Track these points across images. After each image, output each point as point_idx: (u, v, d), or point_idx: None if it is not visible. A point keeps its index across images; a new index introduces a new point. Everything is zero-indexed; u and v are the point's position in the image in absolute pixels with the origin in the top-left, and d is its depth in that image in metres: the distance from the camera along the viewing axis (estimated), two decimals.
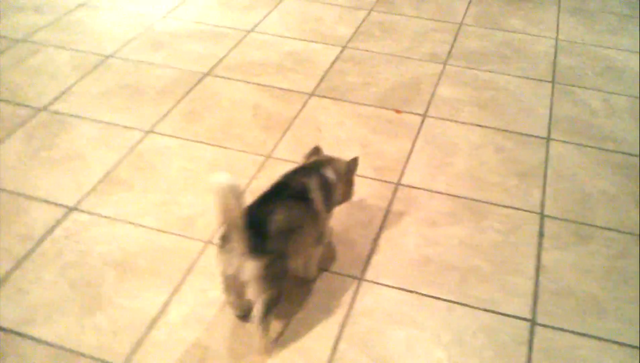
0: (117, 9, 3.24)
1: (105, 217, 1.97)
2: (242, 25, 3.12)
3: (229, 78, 2.70)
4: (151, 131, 2.37)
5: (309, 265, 1.75)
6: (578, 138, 2.41)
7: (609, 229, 2.00)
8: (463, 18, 3.27)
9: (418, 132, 2.41)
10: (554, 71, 2.83)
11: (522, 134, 2.42)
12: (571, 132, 2.44)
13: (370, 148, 2.32)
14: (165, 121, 2.43)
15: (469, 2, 3.44)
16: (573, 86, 2.73)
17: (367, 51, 2.93)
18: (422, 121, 2.47)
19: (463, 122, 2.48)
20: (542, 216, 2.04)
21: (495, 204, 2.08)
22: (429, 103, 2.58)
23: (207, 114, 2.47)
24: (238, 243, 1.41)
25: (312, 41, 3.00)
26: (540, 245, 1.93)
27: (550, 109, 2.58)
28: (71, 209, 2.00)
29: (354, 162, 1.76)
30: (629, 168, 2.27)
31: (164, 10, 3.24)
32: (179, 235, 1.92)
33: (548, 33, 3.16)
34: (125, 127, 2.39)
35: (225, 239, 1.46)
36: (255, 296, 1.49)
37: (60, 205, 2.01)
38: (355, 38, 3.04)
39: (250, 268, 1.43)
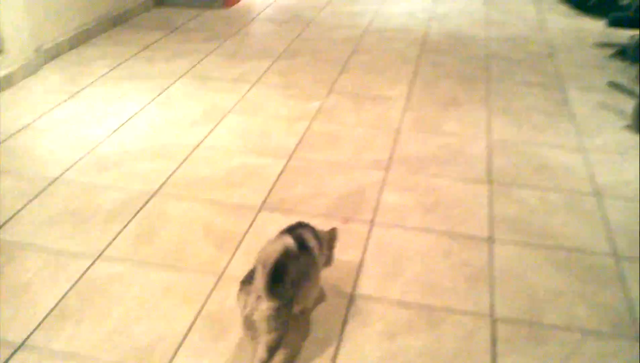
0: (61, 131, 3.26)
1: (57, 353, 1.92)
2: (189, 141, 3.18)
3: (177, 196, 2.72)
4: (100, 257, 2.35)
5: (307, 302, 2.02)
6: (519, 237, 2.52)
7: (559, 328, 2.07)
8: (400, 124, 3.43)
9: (367, 241, 2.47)
10: (489, 172, 2.98)
11: (466, 236, 2.52)
12: (512, 232, 2.55)
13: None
14: (114, 246, 2.41)
15: (404, 109, 3.61)
16: (510, 185, 2.88)
17: (312, 161, 3.03)
18: (370, 229, 2.54)
19: (410, 228, 2.56)
20: (493, 320, 2.10)
21: (448, 311, 2.13)
22: (375, 211, 2.66)
23: (158, 235, 2.47)
24: (258, 285, 1.66)
25: (259, 154, 3.08)
26: (494, 350, 1.98)
27: (490, 209, 2.69)
28: (18, 347, 1.94)
29: (334, 231, 2.10)
30: (569, 264, 2.37)
31: (108, 130, 3.28)
32: None
33: (481, 135, 3.35)
34: (74, 254, 2.36)
35: (245, 283, 1.74)
36: (261, 335, 1.70)
37: (6, 343, 1.94)
38: (300, 149, 3.14)
39: (262, 309, 1.67)
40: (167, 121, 3.40)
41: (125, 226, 2.52)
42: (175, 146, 3.13)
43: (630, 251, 2.46)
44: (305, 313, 2.06)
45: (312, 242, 1.92)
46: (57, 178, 2.84)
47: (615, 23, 4.78)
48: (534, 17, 5.58)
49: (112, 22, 4.83)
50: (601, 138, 3.36)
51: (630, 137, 3.38)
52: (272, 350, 1.73)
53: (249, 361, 1.77)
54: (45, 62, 4.08)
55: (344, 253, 2.39)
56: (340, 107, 3.62)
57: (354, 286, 2.22)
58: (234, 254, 2.37)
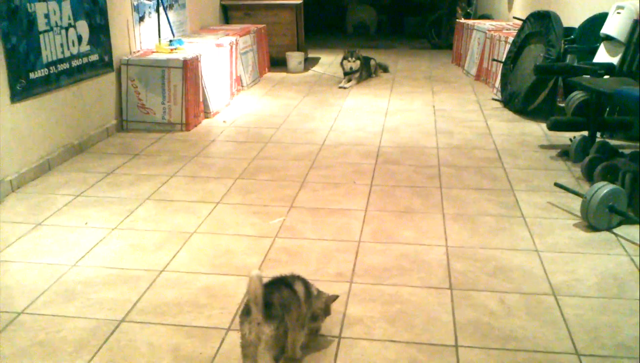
0: (26, 262, 3.27)
1: None
2: (153, 266, 3.22)
3: (144, 322, 2.74)
4: None
5: (295, 345, 2.40)
6: (483, 342, 2.59)
7: None
8: (360, 235, 3.55)
9: (336, 357, 2.51)
10: (449, 278, 3.08)
11: (431, 344, 2.58)
12: (475, 337, 2.62)
13: None
14: None
15: (363, 221, 3.75)
16: (469, 290, 2.98)
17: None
18: (338, 344, 2.58)
19: (377, 340, 2.61)
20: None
21: None
22: (342, 324, 2.71)
23: None
24: (256, 314, 2.14)
25: (224, 274, 3.14)
26: None
27: (453, 315, 2.78)
28: None
29: (333, 297, 2.57)
30: None
31: (73, 260, 3.30)
32: None
33: (438, 241, 3.48)
34: None
35: (244, 314, 2.19)
36: (266, 350, 2.15)
37: None
38: (265, 266, 3.21)
39: (265, 332, 2.15)
40: (132, 246, 3.45)
41: (92, 357, 2.51)
42: (140, 272, 3.17)
43: (590, 348, 2.55)
44: (293, 360, 2.42)
45: (299, 288, 2.41)
46: (23, 311, 2.83)
47: (556, 126, 5.12)
48: (479, 124, 5.92)
49: (75, 150, 4.95)
50: (553, 237, 3.52)
51: (579, 235, 3.55)
52: (277, 359, 2.20)
53: None
54: (9, 193, 4.13)
55: None
56: (301, 222, 3.73)
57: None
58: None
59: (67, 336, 2.65)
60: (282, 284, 2.38)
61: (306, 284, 2.48)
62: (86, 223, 3.72)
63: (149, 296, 2.95)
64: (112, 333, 2.66)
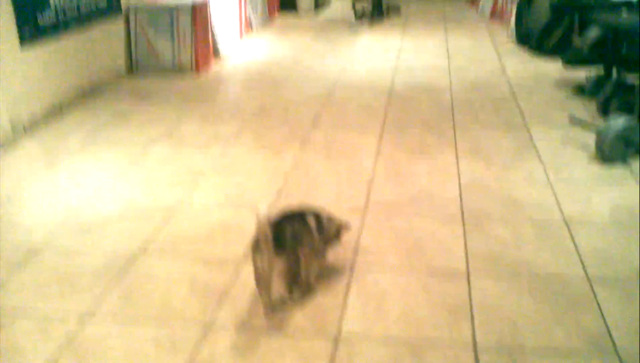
0: (41, 199, 3.32)
1: None
2: (168, 202, 3.25)
3: (160, 255, 2.78)
4: (89, 319, 2.38)
5: (309, 274, 2.43)
6: (494, 270, 2.61)
7: (541, 352, 2.14)
8: (373, 172, 3.55)
9: (349, 284, 2.54)
10: (462, 211, 3.09)
11: (445, 274, 2.60)
12: (488, 266, 2.64)
13: (307, 304, 2.41)
14: (101, 307, 2.44)
15: (376, 158, 3.74)
16: (482, 222, 2.99)
17: None
18: (352, 273, 2.61)
19: (389, 268, 2.63)
20: (475, 349, 2.16)
21: (431, 345, 2.19)
22: (355, 254, 2.74)
23: (144, 294, 2.51)
24: (265, 248, 2.21)
25: (237, 210, 3.16)
26: None
27: (465, 246, 2.79)
28: None
29: (345, 224, 2.57)
30: (544, 291, 2.46)
31: (89, 196, 3.34)
32: None
33: (451, 177, 3.48)
34: (62, 318, 2.38)
35: (255, 248, 2.24)
36: (278, 280, 2.32)
37: None
38: (278, 202, 3.23)
39: (276, 262, 2.25)
40: (146, 183, 3.47)
41: (111, 288, 2.55)
42: (155, 207, 3.20)
43: (601, 274, 2.56)
44: (308, 286, 2.46)
45: (311, 220, 2.40)
46: (41, 244, 2.87)
47: (571, 63, 5.03)
48: (493, 63, 5.84)
49: (86, 93, 4.95)
50: (567, 171, 3.51)
51: (593, 168, 3.53)
52: (292, 286, 2.39)
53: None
54: (23, 136, 4.16)
55: (326, 295, 2.45)
56: (314, 160, 3.74)
57: (339, 328, 2.28)
58: (220, 305, 2.42)
59: (84, 269, 2.69)
60: (294, 217, 2.41)
61: (318, 215, 2.48)
62: (98, 163, 3.74)
63: (165, 230, 2.98)
64: (128, 266, 2.70)
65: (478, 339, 2.21)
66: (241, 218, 3.06)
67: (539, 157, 3.70)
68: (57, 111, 4.57)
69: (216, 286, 2.54)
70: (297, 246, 2.32)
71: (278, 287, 2.34)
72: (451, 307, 2.38)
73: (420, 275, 2.58)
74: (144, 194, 3.35)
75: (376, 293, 2.48)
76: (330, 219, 2.53)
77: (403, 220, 3.02)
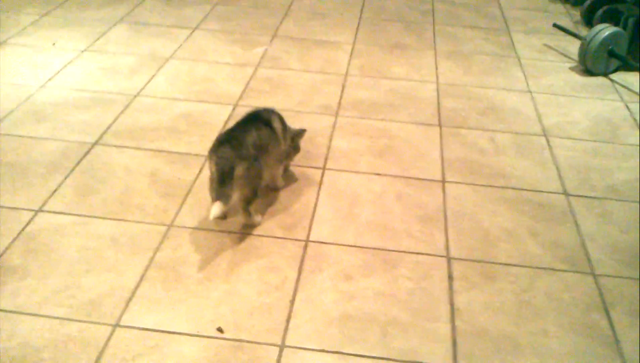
0: None
1: (1, 310, 1.81)
2: (128, 90, 3.03)
3: (120, 146, 2.60)
4: (41, 210, 2.22)
5: (275, 177, 2.33)
6: (471, 178, 2.52)
7: (512, 265, 2.09)
8: (347, 69, 3.37)
9: (320, 186, 2.42)
10: (439, 115, 2.96)
11: (419, 179, 2.50)
12: (464, 173, 2.55)
13: (275, 206, 2.30)
14: (56, 198, 2.29)
15: (351, 54, 3.54)
16: (459, 128, 2.87)
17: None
18: (322, 175, 2.49)
19: (363, 173, 2.52)
20: (449, 259, 2.10)
21: (403, 252, 2.12)
22: (327, 156, 2.61)
23: (101, 186, 2.36)
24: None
25: (203, 101, 2.97)
26: (451, 288, 1.98)
27: (441, 152, 2.68)
28: None
29: (301, 132, 2.39)
30: (520, 203, 2.40)
31: (42, 79, 3.09)
32: (85, 321, 1.79)
33: (429, 78, 3.32)
34: (13, 208, 2.23)
35: (214, 150, 2.07)
36: (238, 190, 2.03)
37: None
38: (246, 95, 3.04)
39: (237, 171, 1.99)
40: (104, 69, 3.23)
41: (66, 178, 2.39)
42: (114, 95, 2.98)
43: (579, 189, 2.50)
44: (275, 188, 2.37)
45: (276, 124, 2.23)
46: None
47: None
48: None
49: None
50: (547, 80, 3.39)
51: (575, 78, 3.42)
52: (249, 201, 2.11)
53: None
54: None
55: (296, 199, 2.34)
56: (285, 53, 3.52)
57: (309, 232, 2.18)
58: (182, 202, 2.29)
59: (38, 157, 2.51)
60: (259, 121, 2.20)
61: (282, 119, 2.31)
62: (54, 43, 3.46)
63: (124, 120, 2.79)
64: (85, 155, 2.53)
65: (451, 248, 2.14)
66: (207, 112, 2.88)
67: (520, 63, 3.56)
68: None
69: (178, 183, 2.40)
70: (261, 154, 2.11)
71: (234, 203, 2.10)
72: (425, 215, 2.30)
73: (395, 182, 2.48)
74: (101, 80, 3.12)
75: (347, 198, 2.37)
76: (288, 127, 2.36)
77: (378, 121, 2.89)
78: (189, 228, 2.17)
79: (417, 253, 2.11)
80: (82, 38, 3.55)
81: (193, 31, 3.71)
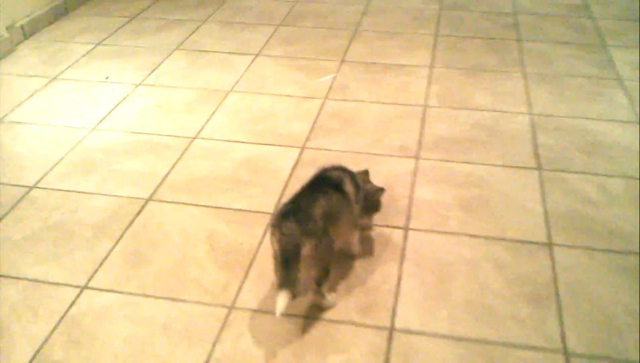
0: (39, 123, 2.84)
1: None
2: (185, 131, 2.76)
3: (176, 202, 2.32)
4: (87, 287, 1.96)
5: (350, 244, 2.00)
6: (583, 239, 2.12)
7: None
8: (426, 98, 2.99)
9: (403, 252, 2.07)
10: (536, 155, 2.56)
11: (520, 241, 2.12)
12: (573, 232, 2.15)
13: (351, 279, 1.96)
14: (103, 270, 2.02)
15: (429, 80, 3.17)
16: (562, 171, 2.46)
17: (328, 149, 2.61)
18: (405, 237, 2.14)
19: (451, 233, 2.16)
20: (567, 355, 1.72)
21: (510, 345, 1.75)
22: (409, 212, 2.26)
23: (154, 253, 2.08)
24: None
25: (266, 144, 2.66)
26: None
27: (543, 203, 2.29)
28: None
29: (380, 191, 2.03)
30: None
31: (93, 121, 2.85)
32: None
33: (519, 108, 2.91)
34: (55, 284, 1.98)
35: (277, 225, 1.70)
36: (306, 271, 1.68)
37: None
38: (314, 134, 2.72)
39: (303, 249, 1.65)
40: (159, 107, 2.96)
41: (115, 244, 2.13)
42: (169, 138, 2.71)
43: None
44: (351, 255, 2.05)
45: (348, 187, 1.86)
46: (35, 184, 2.43)
47: None
48: None
49: None
50: None
51: None
52: (319, 282, 1.78)
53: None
54: (21, 41, 3.62)
55: (375, 269, 2.00)
56: (354, 80, 3.18)
57: (393, 316, 1.84)
58: (245, 276, 1.98)
59: (85, 217, 2.26)
60: (328, 185, 1.83)
61: (354, 177, 1.94)
62: (107, 78, 3.23)
63: (180, 168, 2.51)
64: (137, 215, 2.26)
65: (568, 341, 1.76)
66: (270, 156, 2.57)
67: (622, 85, 3.10)
68: (61, 11, 4.00)
69: (240, 248, 2.09)
70: (330, 226, 1.75)
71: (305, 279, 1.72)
72: (532, 293, 1.92)
73: (490, 244, 2.10)
74: (156, 120, 2.85)
75: (436, 268, 2.01)
76: (368, 185, 2.03)
77: (465, 164, 2.51)
78: (252, 310, 1.86)
79: (527, 347, 1.74)
80: (136, 70, 3.30)
81: (254, 58, 3.42)
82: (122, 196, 2.35)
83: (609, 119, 2.81)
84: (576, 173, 2.46)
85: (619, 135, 2.69)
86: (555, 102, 2.95)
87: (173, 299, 1.90)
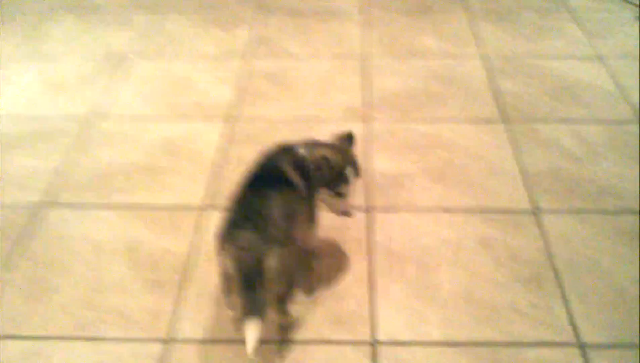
0: None
1: None
2: (82, 111, 2.26)
3: (80, 204, 1.85)
4: None
5: (307, 239, 1.57)
6: (569, 201, 1.83)
7: None
8: (364, 47, 2.60)
9: (371, 241, 1.71)
10: (500, 105, 2.24)
11: (501, 211, 1.80)
12: (557, 193, 1.86)
13: (315, 282, 1.59)
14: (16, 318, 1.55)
15: (364, 25, 2.77)
16: (531, 121, 2.16)
17: (262, 118, 2.19)
18: (371, 220, 1.78)
19: (423, 210, 1.81)
20: (582, 347, 1.43)
21: (517, 345, 1.44)
22: (369, 187, 1.89)
23: (59, 277, 1.63)
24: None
25: (186, 119, 2.21)
26: None
27: (519, 163, 1.97)
28: None
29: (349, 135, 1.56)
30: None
31: None
32: None
33: (471, 50, 2.58)
34: None
35: (226, 239, 1.30)
36: (272, 288, 1.30)
37: None
38: (242, 102, 2.28)
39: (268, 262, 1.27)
40: (46, 82, 2.43)
41: (8, 271, 1.65)
42: (63, 121, 2.21)
43: None
44: (307, 252, 1.63)
45: (293, 175, 1.44)
46: None
47: None
48: None
49: None
50: (615, 38, 2.66)
51: None
52: (283, 299, 1.39)
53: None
54: None
55: (341, 268, 1.63)
56: (279, 32, 2.73)
57: (372, 325, 1.49)
58: (180, 294, 1.57)
59: None
60: (278, 174, 1.43)
61: (298, 157, 1.48)
62: None
63: (81, 160, 2.03)
64: (28, 225, 1.78)
65: (581, 330, 1.47)
66: (193, 135, 2.12)
67: (576, 18, 2.81)
68: None
69: (169, 259, 1.67)
70: (290, 225, 1.37)
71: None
72: (528, 275, 1.61)
73: (470, 219, 1.78)
74: (46, 99, 2.32)
75: (413, 256, 1.67)
76: (326, 155, 1.50)
77: (424, 123, 2.16)
78: (197, 341, 1.46)
79: (537, 344, 1.43)
80: (9, 38, 2.72)
81: (158, 13, 2.89)
82: (5, 205, 1.86)
83: (569, 57, 2.53)
84: (547, 122, 2.16)
85: (583, 74, 2.41)
86: (507, 42, 2.63)
87: (90, 339, 1.47)
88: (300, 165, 1.47)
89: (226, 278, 1.33)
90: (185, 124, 2.17)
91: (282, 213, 1.35)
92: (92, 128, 2.16)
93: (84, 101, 2.30)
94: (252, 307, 1.25)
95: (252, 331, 1.23)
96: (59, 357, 1.42)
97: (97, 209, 1.82)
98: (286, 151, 1.50)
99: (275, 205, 1.35)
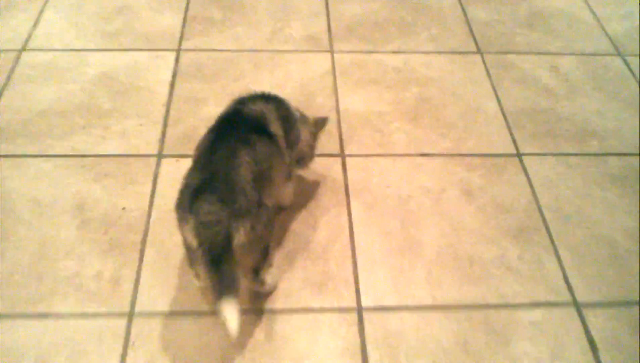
0: None
1: None
2: (4, 42, 1.96)
3: (13, 155, 1.61)
4: None
5: (282, 197, 1.46)
6: (553, 143, 1.74)
7: None
8: None
9: (348, 192, 1.57)
10: (473, 33, 2.09)
11: (482, 155, 1.69)
12: (539, 135, 1.76)
13: (291, 245, 1.45)
14: None
15: None
16: (506, 53, 2.03)
17: (213, 50, 1.96)
18: (345, 168, 1.63)
19: (400, 154, 1.68)
20: (578, 307, 1.37)
21: (510, 306, 1.36)
22: (340, 130, 1.73)
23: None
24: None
25: (127, 49, 1.95)
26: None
27: (497, 99, 1.86)
28: None
29: (322, 122, 1.47)
30: (634, 178, 1.65)
31: None
32: None
33: None
34: None
35: (186, 208, 1.12)
36: (242, 261, 1.16)
37: None
38: (190, 30, 2.04)
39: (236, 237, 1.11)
40: None
41: None
42: None
43: None
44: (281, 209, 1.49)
45: (275, 127, 1.30)
46: None
47: None
48: None
49: None
50: None
51: None
52: (257, 268, 1.27)
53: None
54: None
55: (319, 223, 1.49)
56: None
57: (357, 289, 1.37)
58: (142, 260, 1.40)
59: None
60: (249, 129, 1.25)
61: (282, 108, 1.36)
62: None
63: (9, 101, 1.76)
64: None
65: (575, 288, 1.40)
66: (136, 68, 1.88)
67: None
68: None
69: (124, 217, 1.48)
70: (263, 191, 1.19)
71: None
72: (517, 226, 1.52)
73: (450, 164, 1.66)
74: None
75: (394, 208, 1.55)
76: (302, 117, 1.44)
77: (392, 55, 1.99)
78: (164, 314, 1.31)
79: (532, 305, 1.36)
80: None
81: None
82: None
83: None
84: (522, 53, 2.03)
85: (557, 1, 2.28)
86: None
87: (41, 315, 1.29)
88: (283, 117, 1.31)
89: (190, 251, 1.17)
90: (127, 55, 1.91)
91: (255, 175, 1.17)
92: (20, 63, 1.88)
93: (7, 31, 1.99)
94: (225, 286, 1.09)
95: (230, 311, 1.08)
96: (5, 339, 1.24)
97: (35, 159, 1.59)
98: (267, 96, 1.35)
99: (247, 166, 1.16)
